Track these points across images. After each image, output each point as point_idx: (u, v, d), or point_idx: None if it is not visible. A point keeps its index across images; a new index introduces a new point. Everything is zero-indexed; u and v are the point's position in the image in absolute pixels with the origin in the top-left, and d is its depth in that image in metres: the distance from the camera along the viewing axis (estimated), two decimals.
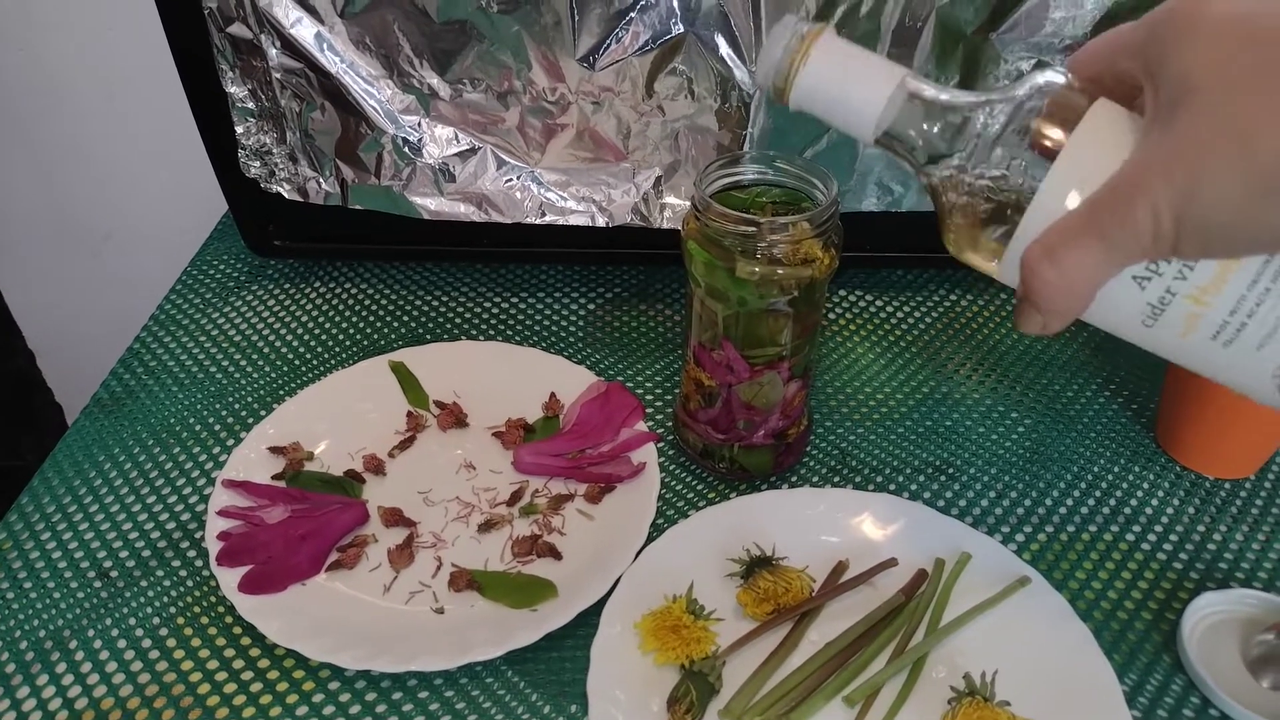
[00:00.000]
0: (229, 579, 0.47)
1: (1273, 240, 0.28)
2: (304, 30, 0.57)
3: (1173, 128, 0.28)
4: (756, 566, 0.48)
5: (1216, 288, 0.31)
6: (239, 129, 0.62)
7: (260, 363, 0.64)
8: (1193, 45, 0.28)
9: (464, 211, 0.62)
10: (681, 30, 0.55)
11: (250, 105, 0.61)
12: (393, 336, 0.66)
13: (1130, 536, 0.52)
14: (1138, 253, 0.30)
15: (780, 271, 0.46)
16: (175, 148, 0.94)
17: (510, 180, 0.61)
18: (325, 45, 0.58)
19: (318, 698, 0.45)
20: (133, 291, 1.02)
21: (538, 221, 0.62)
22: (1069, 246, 0.30)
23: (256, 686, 0.45)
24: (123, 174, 1.09)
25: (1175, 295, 0.32)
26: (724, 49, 0.56)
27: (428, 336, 0.66)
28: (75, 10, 0.94)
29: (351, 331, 0.66)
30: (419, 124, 0.60)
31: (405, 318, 0.67)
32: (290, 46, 0.58)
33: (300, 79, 0.59)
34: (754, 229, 0.45)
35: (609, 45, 0.56)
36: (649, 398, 0.61)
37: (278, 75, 0.59)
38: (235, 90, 0.60)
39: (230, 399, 0.61)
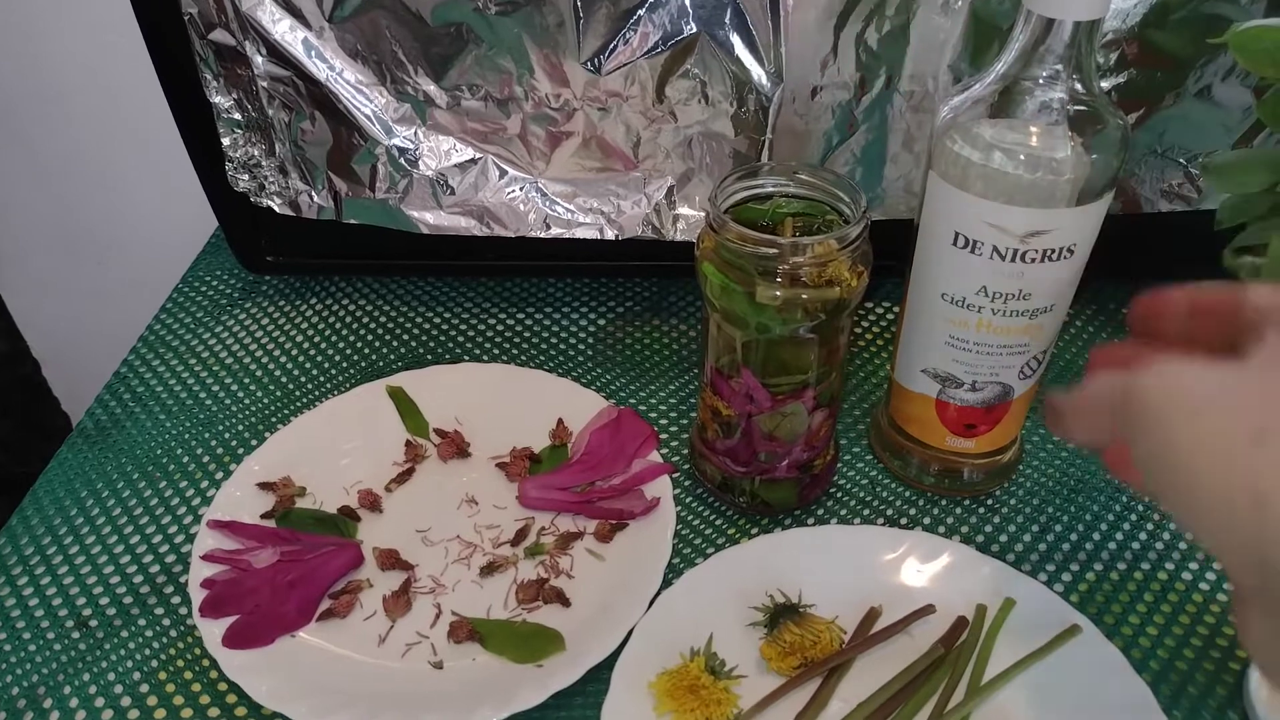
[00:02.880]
0: (213, 631, 0.44)
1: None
2: (291, 36, 0.53)
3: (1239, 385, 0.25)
4: (781, 615, 0.44)
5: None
6: (225, 141, 0.58)
7: (252, 387, 0.60)
8: None
9: (465, 226, 0.58)
10: (694, 30, 0.51)
11: (236, 116, 0.57)
12: (391, 357, 0.62)
13: (1187, 575, 0.48)
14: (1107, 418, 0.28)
15: (805, 295, 0.42)
16: (178, 154, 0.91)
17: (513, 192, 0.58)
18: (313, 51, 0.54)
19: None
20: (137, 300, 0.99)
21: (545, 235, 0.58)
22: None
23: None
24: (125, 181, 1.06)
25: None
26: (740, 50, 0.52)
27: (428, 356, 0.62)
28: (75, 16, 0.91)
29: (348, 351, 0.63)
30: (415, 133, 0.56)
31: (405, 336, 0.64)
32: (276, 53, 0.54)
33: (288, 87, 0.55)
34: (775, 250, 0.41)
35: (616, 47, 0.52)
36: (663, 422, 0.57)
37: (264, 84, 0.55)
38: (220, 100, 0.57)
39: (220, 427, 0.57)
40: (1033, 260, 0.42)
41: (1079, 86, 0.40)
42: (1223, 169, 0.45)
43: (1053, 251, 0.42)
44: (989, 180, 0.41)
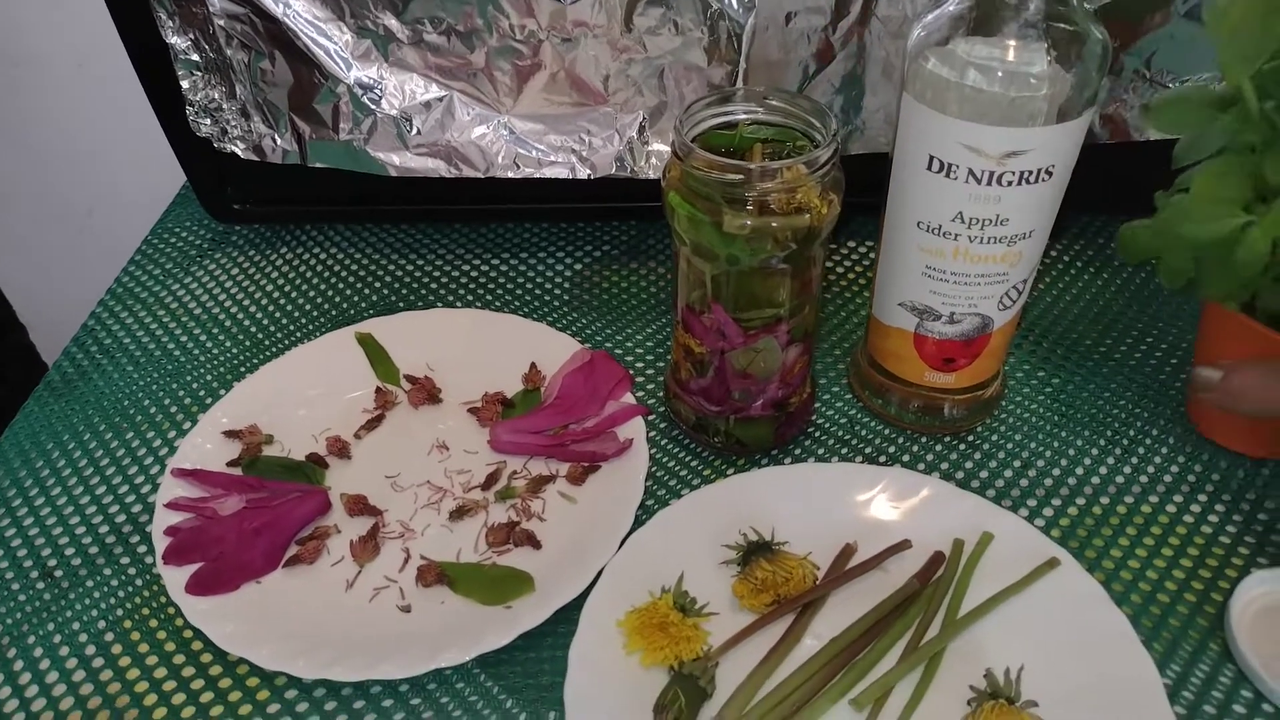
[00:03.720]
0: (177, 578, 0.43)
1: None
2: None
3: None
4: (754, 553, 0.43)
5: None
6: (184, 84, 0.56)
7: (221, 337, 0.59)
8: None
9: (432, 166, 0.57)
10: None
11: (194, 57, 0.56)
12: (363, 305, 0.61)
13: (1171, 508, 0.47)
14: None
15: (774, 223, 0.41)
16: (150, 113, 0.89)
17: (480, 130, 0.56)
18: None
19: (273, 708, 0.41)
20: (121, 260, 0.98)
21: (514, 175, 0.57)
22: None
23: (207, 696, 0.41)
24: (100, 145, 1.04)
25: None
26: None
27: (400, 304, 0.61)
28: None
29: (319, 300, 0.61)
30: (377, 71, 0.55)
31: (377, 284, 0.63)
32: None
33: (245, 25, 0.54)
34: (742, 176, 0.40)
35: None
36: (639, 365, 0.56)
37: (220, 23, 0.54)
38: (176, 41, 0.55)
39: (188, 377, 0.56)
40: (1010, 183, 0.41)
41: None
42: (1163, 108, 0.43)
43: (1030, 173, 0.41)
44: (963, 99, 0.40)
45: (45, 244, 1.12)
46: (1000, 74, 0.39)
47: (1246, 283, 0.41)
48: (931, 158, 0.41)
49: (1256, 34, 0.36)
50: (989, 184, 0.41)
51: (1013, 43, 0.39)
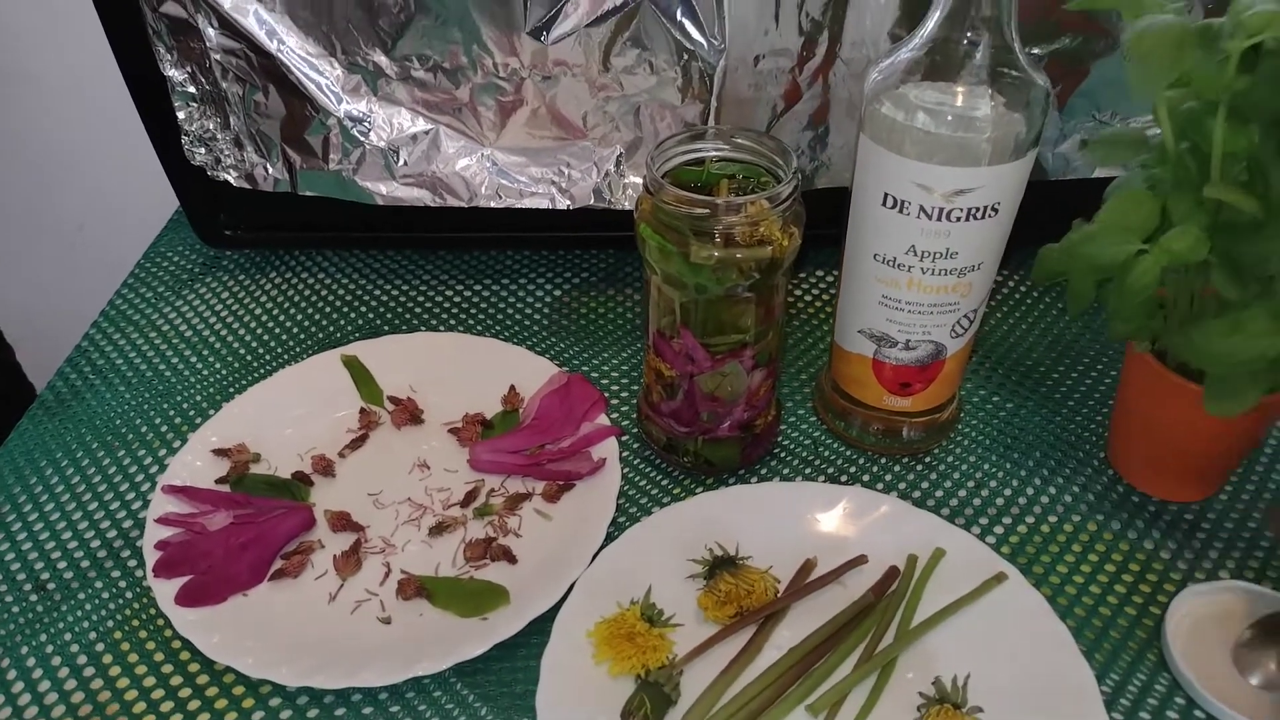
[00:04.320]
0: (166, 590, 0.45)
1: None
2: (242, 7, 0.54)
3: None
4: (718, 567, 0.46)
5: None
6: (180, 114, 0.59)
7: (211, 359, 0.61)
8: None
9: (417, 196, 0.59)
10: None
11: (191, 89, 0.58)
12: (349, 328, 0.63)
13: (1116, 524, 0.50)
14: None
15: (739, 255, 0.43)
16: (144, 133, 0.91)
17: (465, 162, 0.58)
18: (264, 24, 0.55)
19: (258, 715, 0.43)
20: (110, 282, 1.00)
21: (496, 205, 0.59)
22: None
23: (194, 704, 0.43)
24: (93, 162, 1.06)
25: None
26: (682, 17, 0.52)
27: (385, 328, 0.63)
28: None
29: (306, 324, 0.64)
30: (366, 105, 0.57)
31: (363, 308, 0.65)
32: (228, 25, 0.55)
33: (241, 60, 0.56)
34: (708, 210, 0.43)
35: (561, 16, 0.53)
36: (614, 388, 0.58)
37: (217, 57, 0.56)
38: (174, 74, 0.57)
39: (179, 397, 0.58)
40: (958, 219, 0.44)
41: (1001, 48, 0.41)
42: (1099, 144, 0.47)
43: (977, 210, 0.43)
44: (914, 140, 0.43)
45: (35, 259, 1.14)
46: (949, 117, 0.42)
47: (1147, 320, 0.44)
48: (886, 194, 0.44)
49: (1165, 60, 0.39)
50: (939, 220, 0.44)
51: (961, 89, 0.42)
